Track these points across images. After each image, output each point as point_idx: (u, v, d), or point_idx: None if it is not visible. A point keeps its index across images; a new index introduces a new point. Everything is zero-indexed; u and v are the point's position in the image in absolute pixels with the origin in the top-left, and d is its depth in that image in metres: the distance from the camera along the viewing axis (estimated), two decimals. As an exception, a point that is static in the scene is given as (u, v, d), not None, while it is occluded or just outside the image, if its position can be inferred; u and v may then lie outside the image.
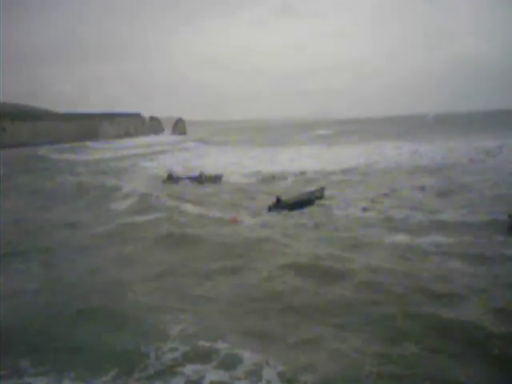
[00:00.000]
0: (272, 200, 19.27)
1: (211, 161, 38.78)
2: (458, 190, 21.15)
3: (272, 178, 28.08)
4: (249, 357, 6.77)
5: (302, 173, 30.14)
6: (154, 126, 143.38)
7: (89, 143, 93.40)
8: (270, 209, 18.87)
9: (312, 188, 22.58)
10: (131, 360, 7.11)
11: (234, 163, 37.08)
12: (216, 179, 28.98)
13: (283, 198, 19.54)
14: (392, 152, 39.64)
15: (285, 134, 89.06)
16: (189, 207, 19.54)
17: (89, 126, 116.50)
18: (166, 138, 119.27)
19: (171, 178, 28.83)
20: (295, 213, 18.13)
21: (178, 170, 34.13)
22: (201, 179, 28.41)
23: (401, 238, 13.32)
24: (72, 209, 21.13)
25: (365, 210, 18.10)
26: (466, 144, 42.28)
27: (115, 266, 11.68)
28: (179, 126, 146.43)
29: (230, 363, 6.69)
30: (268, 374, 6.40)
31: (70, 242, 14.41)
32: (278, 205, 18.99)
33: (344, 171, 29.80)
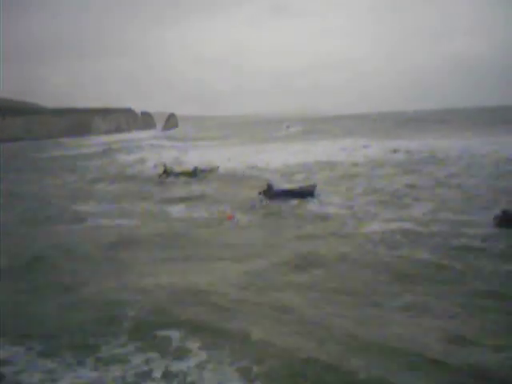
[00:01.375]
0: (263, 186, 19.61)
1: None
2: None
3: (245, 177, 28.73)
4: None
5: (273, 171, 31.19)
6: (145, 121, 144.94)
7: (63, 140, 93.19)
8: (260, 193, 19.30)
9: (303, 183, 23.01)
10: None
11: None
12: (211, 171, 29.84)
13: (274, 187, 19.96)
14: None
15: (271, 129, 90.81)
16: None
17: (81, 121, 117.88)
18: (156, 133, 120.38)
19: (166, 173, 28.96)
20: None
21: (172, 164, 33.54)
22: (195, 172, 29.13)
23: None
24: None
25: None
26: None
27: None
28: (171, 121, 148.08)
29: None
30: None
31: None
32: (269, 192, 19.38)
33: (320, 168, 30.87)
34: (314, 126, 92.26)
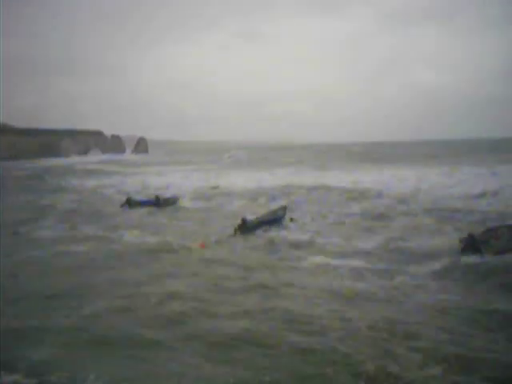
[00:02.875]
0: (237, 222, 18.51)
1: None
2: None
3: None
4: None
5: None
6: (115, 143, 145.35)
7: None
8: (235, 232, 17.79)
9: (275, 206, 23.04)
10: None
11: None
12: (172, 201, 29.69)
13: (248, 218, 19.12)
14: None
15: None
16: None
17: (50, 143, 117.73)
18: (128, 156, 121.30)
19: (130, 203, 28.45)
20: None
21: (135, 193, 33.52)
22: (158, 202, 28.67)
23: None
24: None
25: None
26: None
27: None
28: (141, 145, 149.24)
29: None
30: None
31: None
32: (244, 227, 18.20)
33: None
34: (262, 155, 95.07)
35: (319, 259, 13.87)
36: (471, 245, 13.50)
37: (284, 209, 21.72)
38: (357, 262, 13.22)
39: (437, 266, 12.68)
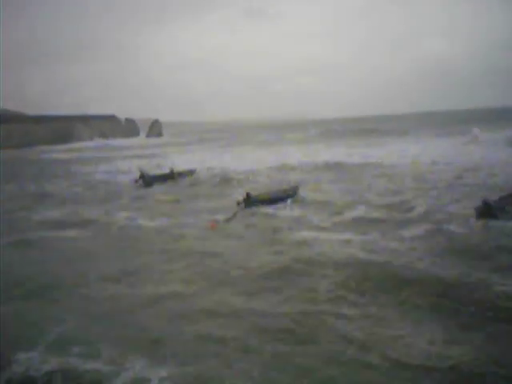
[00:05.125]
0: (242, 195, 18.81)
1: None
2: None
3: None
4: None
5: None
6: (129, 127, 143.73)
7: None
8: (238, 204, 18.44)
9: (286, 185, 22.29)
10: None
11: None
12: (189, 173, 29.34)
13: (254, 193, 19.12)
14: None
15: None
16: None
17: (63, 129, 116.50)
18: (138, 140, 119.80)
19: (143, 178, 27.75)
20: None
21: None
22: (172, 175, 28.38)
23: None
24: None
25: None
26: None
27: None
28: (155, 128, 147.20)
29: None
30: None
31: None
32: (248, 200, 18.56)
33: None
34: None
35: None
36: (486, 212, 13.58)
37: (296, 188, 20.74)
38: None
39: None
